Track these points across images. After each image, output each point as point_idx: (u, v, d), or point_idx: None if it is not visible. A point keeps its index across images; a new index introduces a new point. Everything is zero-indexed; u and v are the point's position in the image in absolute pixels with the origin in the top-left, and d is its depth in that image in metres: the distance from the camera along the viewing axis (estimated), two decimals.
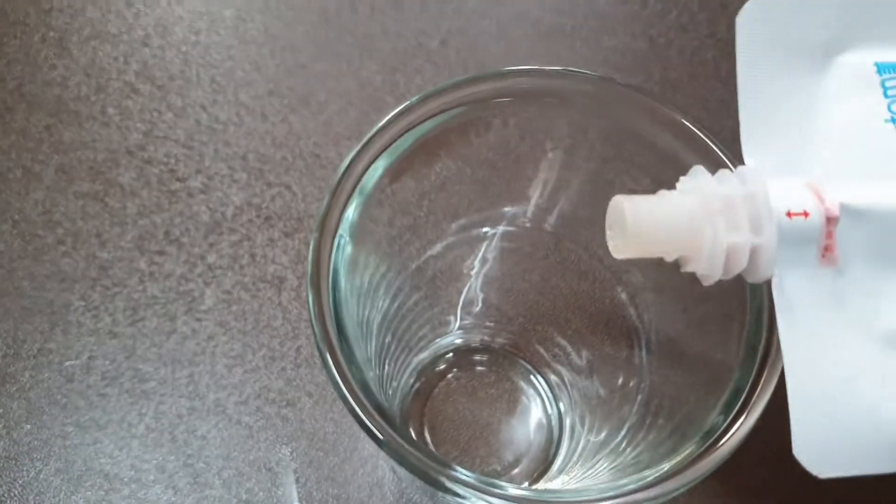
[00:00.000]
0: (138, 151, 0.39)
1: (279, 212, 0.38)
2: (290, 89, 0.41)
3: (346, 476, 0.34)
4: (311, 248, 0.21)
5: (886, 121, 0.20)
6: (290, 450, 0.34)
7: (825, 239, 0.18)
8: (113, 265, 0.37)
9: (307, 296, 0.20)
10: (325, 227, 0.22)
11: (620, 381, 0.33)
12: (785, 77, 0.21)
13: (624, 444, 0.27)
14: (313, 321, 0.20)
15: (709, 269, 0.19)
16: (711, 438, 0.19)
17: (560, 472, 0.32)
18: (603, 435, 0.31)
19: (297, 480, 0.34)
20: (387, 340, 0.30)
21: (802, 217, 0.18)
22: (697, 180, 0.20)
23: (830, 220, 0.18)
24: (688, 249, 0.20)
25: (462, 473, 0.18)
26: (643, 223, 0.20)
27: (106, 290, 0.36)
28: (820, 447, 0.18)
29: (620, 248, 0.20)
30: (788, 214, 0.18)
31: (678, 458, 0.19)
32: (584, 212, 0.32)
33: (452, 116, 0.27)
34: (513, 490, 0.18)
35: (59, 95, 0.40)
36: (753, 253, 0.19)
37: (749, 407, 0.20)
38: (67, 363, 0.35)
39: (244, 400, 0.35)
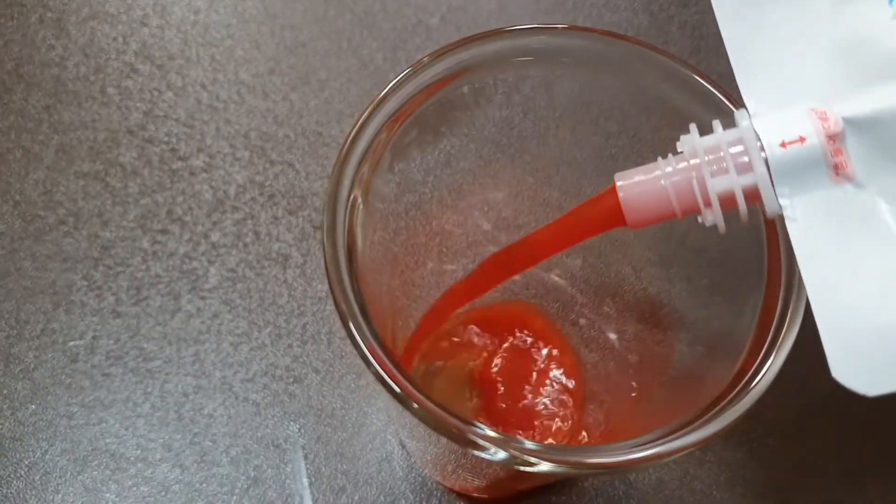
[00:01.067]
0: (139, 131, 0.39)
1: (282, 189, 0.38)
2: (290, 67, 0.41)
3: (354, 451, 0.34)
4: (324, 212, 0.21)
5: (893, 17, 0.19)
6: (297, 426, 0.34)
7: (833, 157, 0.18)
8: (115, 244, 0.37)
9: (323, 248, 0.20)
10: (339, 190, 0.22)
11: (631, 356, 0.33)
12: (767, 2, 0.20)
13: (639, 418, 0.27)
14: (328, 270, 0.20)
15: (712, 218, 0.19)
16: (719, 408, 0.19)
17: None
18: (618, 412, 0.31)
19: (305, 457, 0.33)
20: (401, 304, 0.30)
21: (798, 143, 0.18)
22: (691, 138, 0.20)
23: (833, 138, 0.17)
24: (688, 206, 0.20)
25: (482, 428, 0.18)
26: (634, 200, 0.20)
27: (109, 270, 0.36)
28: (862, 366, 0.17)
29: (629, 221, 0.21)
30: (783, 144, 0.18)
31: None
32: (589, 187, 0.32)
33: (455, 86, 0.26)
34: (530, 444, 0.17)
35: (57, 76, 0.40)
36: (750, 192, 0.19)
37: (762, 374, 0.20)
38: (71, 343, 0.35)
39: (251, 377, 0.35)
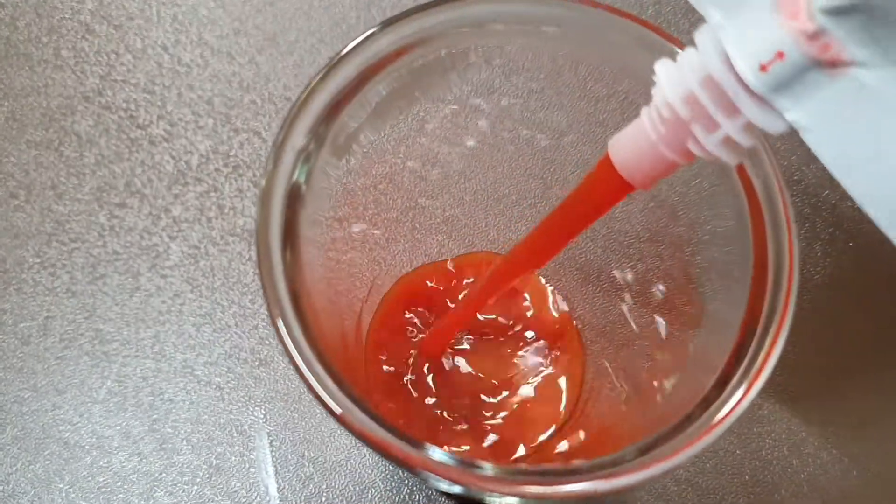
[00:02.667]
0: (95, 97, 0.36)
1: (248, 160, 0.36)
2: (257, 28, 0.38)
3: (322, 438, 0.32)
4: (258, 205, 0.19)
5: None
6: (263, 411, 0.32)
7: (822, 55, 0.15)
8: (70, 219, 0.34)
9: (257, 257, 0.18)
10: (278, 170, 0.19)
11: (619, 334, 0.31)
12: None
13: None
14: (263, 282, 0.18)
15: (725, 159, 0.18)
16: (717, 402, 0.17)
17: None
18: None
19: (270, 444, 0.32)
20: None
21: (778, 61, 0.15)
22: (660, 85, 0.18)
23: (814, 37, 0.15)
24: (692, 156, 0.18)
25: (436, 453, 0.16)
26: (636, 170, 0.19)
27: (63, 246, 0.34)
28: None
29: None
30: (762, 68, 0.15)
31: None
32: (575, 156, 0.30)
33: (429, 51, 0.24)
34: (492, 471, 0.16)
35: (7, 37, 0.37)
36: (747, 127, 0.17)
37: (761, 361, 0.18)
38: (22, 325, 0.33)
39: (214, 360, 0.33)
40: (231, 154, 0.36)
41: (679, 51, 0.22)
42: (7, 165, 0.35)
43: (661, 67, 0.18)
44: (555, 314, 0.32)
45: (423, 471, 0.16)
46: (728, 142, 0.17)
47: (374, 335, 0.31)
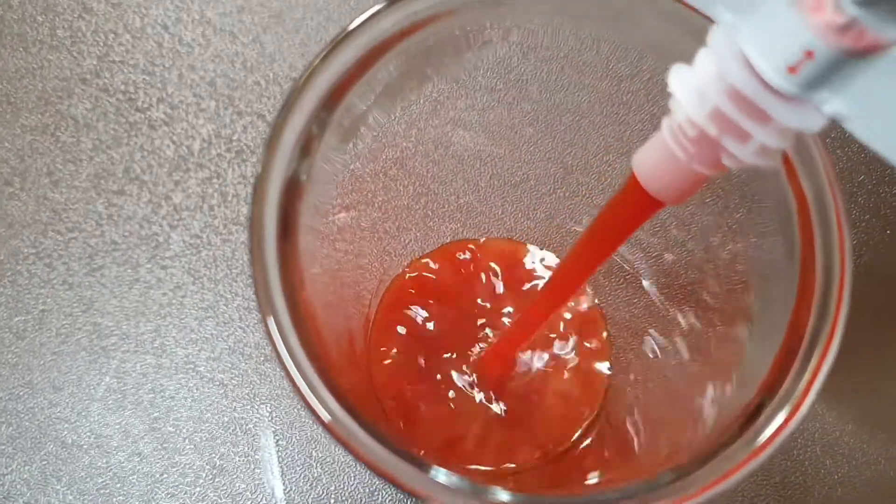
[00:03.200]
0: (93, 79, 0.35)
1: (252, 144, 0.34)
2: (262, 5, 0.36)
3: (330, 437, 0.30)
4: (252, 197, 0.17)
5: None
6: (268, 409, 0.31)
7: (858, 43, 0.13)
8: (67, 207, 0.33)
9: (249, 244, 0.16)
10: (272, 160, 0.18)
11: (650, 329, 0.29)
12: None
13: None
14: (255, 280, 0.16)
15: (763, 165, 0.16)
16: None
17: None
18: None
19: (276, 443, 0.30)
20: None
21: (808, 61, 0.13)
22: (680, 103, 0.16)
23: (846, 28, 0.13)
24: (722, 168, 0.16)
25: (440, 474, 0.14)
26: (655, 180, 0.18)
27: (59, 236, 0.32)
28: None
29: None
30: (791, 70, 0.14)
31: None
32: (597, 139, 0.28)
33: (442, 29, 0.22)
34: (504, 496, 0.14)
35: (0, 16, 0.36)
36: (782, 132, 0.15)
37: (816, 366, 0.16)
38: (17, 318, 0.31)
39: (217, 356, 0.31)
40: (234, 138, 0.34)
41: (709, 26, 0.20)
42: (1, 151, 0.33)
43: (678, 83, 0.16)
44: (583, 310, 0.31)
45: (426, 500, 0.14)
46: (764, 149, 0.16)
47: (378, 331, 0.30)
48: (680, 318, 0.26)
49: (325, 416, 0.15)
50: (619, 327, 0.30)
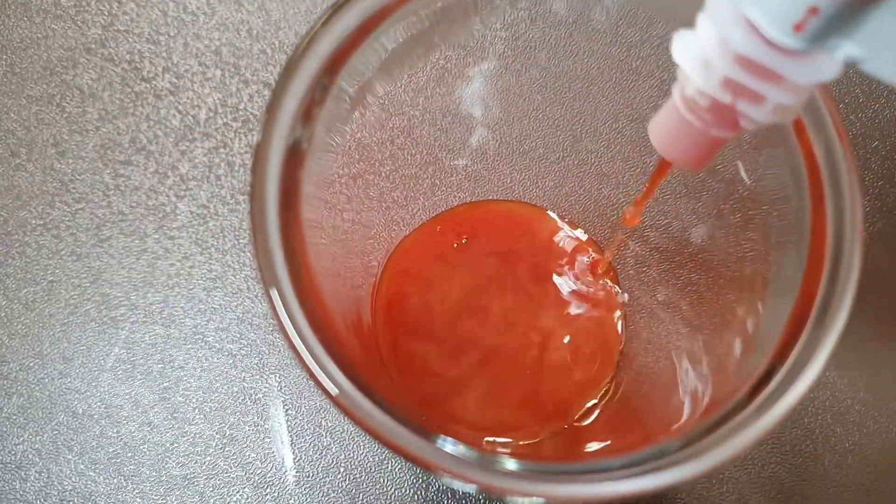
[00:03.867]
0: (98, 48, 0.35)
1: (258, 113, 0.34)
2: None
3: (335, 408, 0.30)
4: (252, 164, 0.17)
5: None
6: (278, 379, 0.31)
7: None
8: (74, 178, 0.33)
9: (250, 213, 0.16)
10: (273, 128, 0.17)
11: (657, 295, 0.29)
12: None
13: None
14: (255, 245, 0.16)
15: (782, 122, 0.16)
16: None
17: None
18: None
19: (286, 412, 0.30)
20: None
21: (813, 17, 0.13)
22: (688, 75, 0.16)
23: None
24: (739, 129, 0.16)
25: (447, 443, 0.14)
26: (687, 158, 0.18)
27: (66, 207, 0.32)
28: None
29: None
30: (797, 28, 0.13)
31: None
32: (606, 105, 0.28)
33: None
34: (515, 466, 0.14)
35: None
36: (797, 88, 0.15)
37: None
38: (26, 290, 0.31)
39: (226, 326, 0.31)
40: (240, 107, 0.34)
41: None
42: (7, 122, 0.33)
43: (683, 54, 0.16)
44: (597, 279, 0.30)
45: (435, 471, 0.14)
46: (781, 107, 0.16)
47: (385, 297, 0.29)
48: (691, 284, 0.26)
49: (332, 389, 0.15)
50: (631, 293, 0.30)
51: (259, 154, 0.17)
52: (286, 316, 0.15)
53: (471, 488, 0.15)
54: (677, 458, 0.15)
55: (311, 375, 0.15)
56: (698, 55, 0.15)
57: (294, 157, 0.17)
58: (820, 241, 0.16)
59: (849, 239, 0.16)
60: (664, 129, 0.18)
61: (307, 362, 0.15)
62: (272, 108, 0.17)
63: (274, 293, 0.15)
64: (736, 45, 0.14)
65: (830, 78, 0.15)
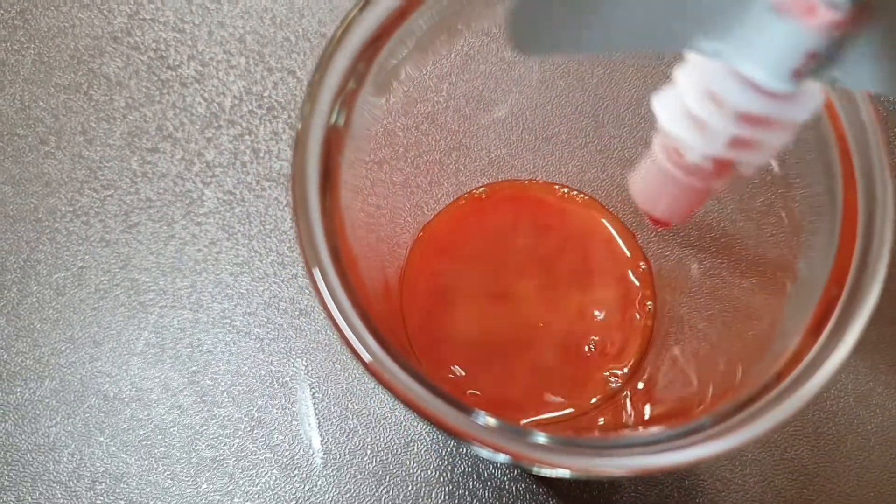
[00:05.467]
0: (124, 37, 0.35)
1: (283, 101, 0.34)
2: None
3: (366, 390, 0.31)
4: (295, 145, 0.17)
5: None
6: (304, 363, 0.31)
7: (857, 27, 0.13)
8: (102, 165, 0.33)
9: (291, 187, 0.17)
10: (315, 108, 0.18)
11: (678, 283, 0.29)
12: None
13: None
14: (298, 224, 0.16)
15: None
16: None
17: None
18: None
19: (313, 396, 0.31)
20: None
21: (812, 63, 0.13)
22: (688, 144, 0.16)
23: (843, 22, 0.13)
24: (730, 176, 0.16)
25: (480, 416, 0.14)
26: (684, 216, 0.18)
27: (95, 194, 0.33)
28: None
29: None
30: (797, 75, 0.13)
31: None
32: (630, 91, 0.28)
33: None
34: (544, 440, 0.14)
35: None
36: (793, 127, 0.15)
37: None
38: (57, 275, 0.32)
39: (253, 310, 0.32)
40: (265, 95, 0.34)
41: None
42: (36, 110, 0.34)
43: (673, 123, 0.15)
44: (627, 254, 0.31)
45: (468, 440, 0.15)
46: (780, 148, 0.16)
47: (412, 276, 0.30)
48: (717, 268, 0.26)
49: (383, 372, 0.16)
50: (661, 273, 0.30)
51: (301, 139, 0.17)
52: (330, 296, 0.15)
53: (502, 458, 0.15)
54: (703, 437, 0.16)
55: (355, 353, 0.16)
56: (691, 119, 0.15)
57: (332, 142, 0.18)
58: (851, 224, 0.17)
59: (879, 222, 0.16)
60: (652, 188, 0.18)
61: (351, 341, 0.15)
62: (314, 94, 0.18)
63: (316, 272, 0.16)
64: (736, 104, 0.14)
65: (820, 106, 0.15)
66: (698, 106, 0.15)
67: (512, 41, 0.15)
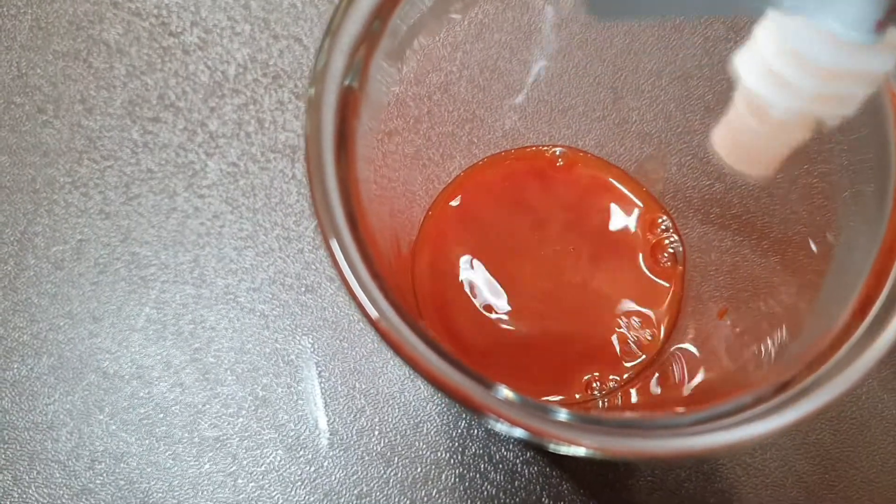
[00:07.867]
0: (124, 2, 0.34)
1: (288, 69, 0.33)
2: None
3: (374, 369, 0.30)
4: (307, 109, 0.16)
5: None
6: (310, 341, 0.30)
7: None
8: (101, 135, 0.32)
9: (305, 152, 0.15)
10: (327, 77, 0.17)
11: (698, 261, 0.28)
12: None
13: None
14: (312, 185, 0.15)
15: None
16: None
17: None
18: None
19: (319, 374, 0.30)
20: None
21: (893, 13, 0.13)
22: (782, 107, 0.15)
23: None
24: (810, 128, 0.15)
25: (501, 390, 0.14)
26: (736, 158, 0.18)
27: (94, 165, 0.32)
28: None
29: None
30: (879, 26, 0.13)
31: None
32: (649, 63, 0.27)
33: None
34: (564, 416, 0.13)
35: None
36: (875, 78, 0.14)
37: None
38: (55, 248, 0.31)
39: (257, 286, 0.31)
40: (270, 63, 0.33)
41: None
42: (33, 78, 0.33)
43: (759, 82, 0.15)
44: (652, 232, 0.30)
45: (486, 413, 0.14)
46: (864, 98, 0.15)
47: (425, 255, 0.29)
48: (753, 240, 0.25)
49: (407, 347, 0.15)
50: (690, 248, 0.29)
51: (314, 101, 0.16)
52: (346, 265, 0.14)
53: (519, 433, 0.14)
54: (732, 422, 0.15)
55: (376, 326, 0.15)
56: (774, 77, 0.15)
57: (347, 107, 0.17)
58: None
59: None
60: (738, 144, 0.17)
61: (371, 315, 0.14)
62: (329, 53, 0.17)
63: (334, 243, 0.15)
64: (818, 60, 0.14)
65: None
66: (781, 64, 0.15)
67: (587, 4, 0.15)
